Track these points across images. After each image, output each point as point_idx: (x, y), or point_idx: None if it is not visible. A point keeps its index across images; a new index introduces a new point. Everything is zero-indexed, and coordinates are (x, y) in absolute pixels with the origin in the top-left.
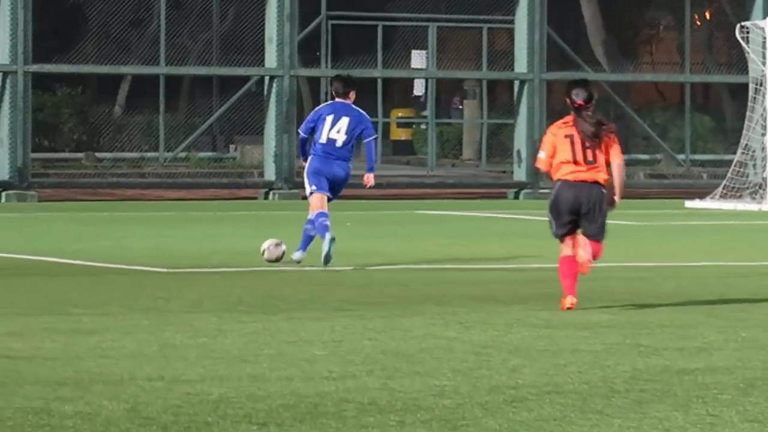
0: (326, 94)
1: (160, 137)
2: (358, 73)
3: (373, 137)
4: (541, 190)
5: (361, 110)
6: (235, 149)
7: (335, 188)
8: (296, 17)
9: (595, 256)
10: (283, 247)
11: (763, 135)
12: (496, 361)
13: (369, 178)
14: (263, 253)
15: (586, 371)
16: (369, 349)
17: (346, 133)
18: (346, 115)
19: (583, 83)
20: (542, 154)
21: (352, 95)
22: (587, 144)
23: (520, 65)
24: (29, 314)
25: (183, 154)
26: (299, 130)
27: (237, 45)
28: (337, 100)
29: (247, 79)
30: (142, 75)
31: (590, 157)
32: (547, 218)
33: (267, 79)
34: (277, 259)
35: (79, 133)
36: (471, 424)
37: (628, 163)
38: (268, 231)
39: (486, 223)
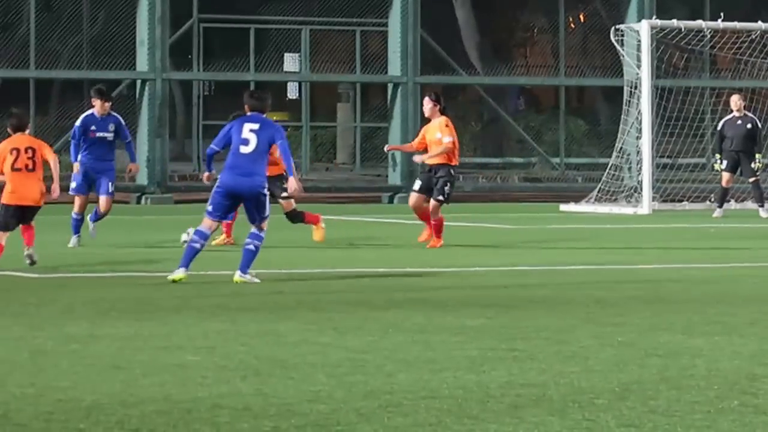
0: (198, 97)
1: None
2: (231, 76)
3: None
4: None
5: None
6: None
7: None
8: (168, 20)
9: None
10: None
11: (638, 138)
12: (371, 366)
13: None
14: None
15: (461, 376)
16: (242, 354)
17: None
18: None
19: None
20: None
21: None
22: None
23: (394, 68)
24: None
25: None
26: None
27: (108, 48)
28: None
29: (118, 82)
30: (11, 78)
31: None
32: None
33: (139, 82)
34: None
35: None
36: (346, 429)
37: (503, 167)
38: (140, 236)
39: (360, 227)
